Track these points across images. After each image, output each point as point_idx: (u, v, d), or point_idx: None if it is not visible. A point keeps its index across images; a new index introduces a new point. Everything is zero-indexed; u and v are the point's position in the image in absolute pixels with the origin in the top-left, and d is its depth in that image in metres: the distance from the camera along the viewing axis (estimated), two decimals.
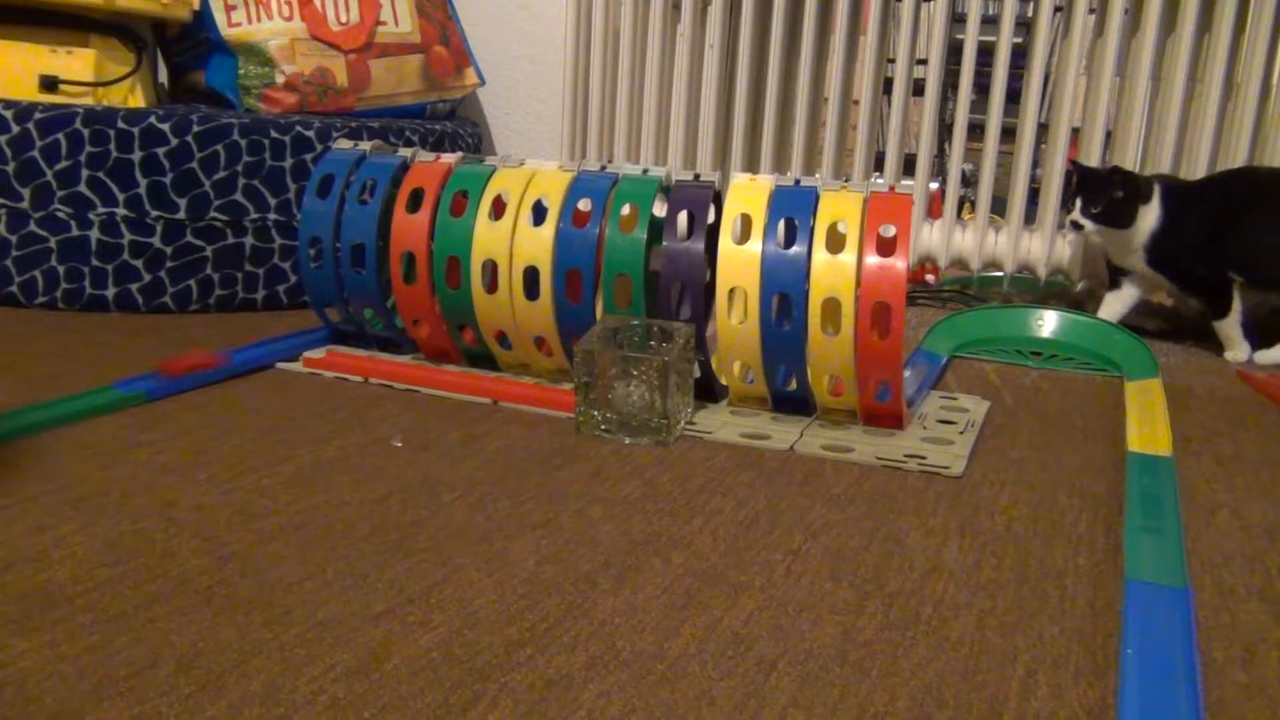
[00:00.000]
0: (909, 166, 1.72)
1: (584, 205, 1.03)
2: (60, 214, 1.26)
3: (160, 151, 1.27)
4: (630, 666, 0.56)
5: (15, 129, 1.24)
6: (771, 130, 1.69)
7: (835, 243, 0.94)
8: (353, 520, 0.73)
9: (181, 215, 1.29)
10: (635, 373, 0.91)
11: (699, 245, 0.98)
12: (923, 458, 0.91)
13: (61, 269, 1.28)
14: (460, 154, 1.13)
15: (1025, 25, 1.95)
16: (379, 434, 0.91)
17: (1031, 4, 1.57)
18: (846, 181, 1.01)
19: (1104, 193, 1.39)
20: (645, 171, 1.05)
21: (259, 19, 1.44)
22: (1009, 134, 1.63)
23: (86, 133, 1.25)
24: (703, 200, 1.00)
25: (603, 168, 1.07)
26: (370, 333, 1.16)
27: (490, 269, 1.05)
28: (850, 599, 0.65)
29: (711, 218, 1.01)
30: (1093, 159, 1.57)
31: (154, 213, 1.28)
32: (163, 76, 1.60)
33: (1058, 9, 1.64)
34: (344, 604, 0.61)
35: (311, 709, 0.51)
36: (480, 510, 0.76)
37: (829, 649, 0.59)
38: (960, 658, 0.59)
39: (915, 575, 0.69)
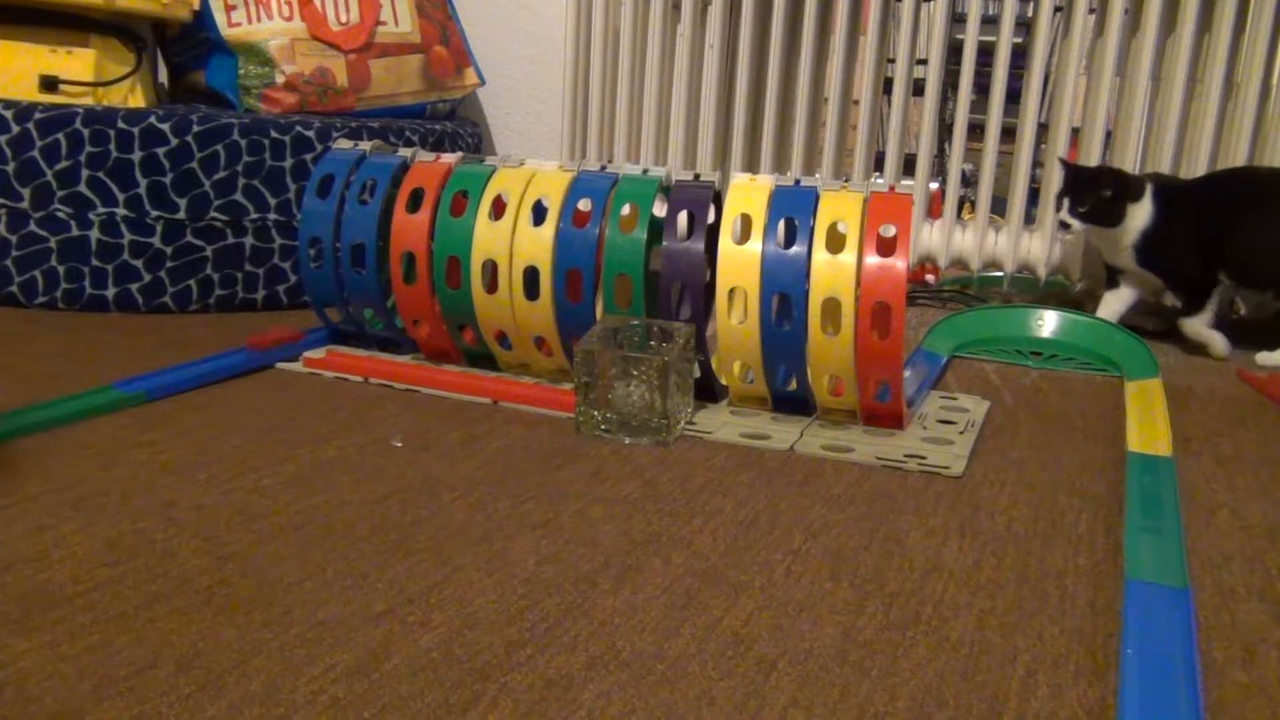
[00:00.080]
0: (909, 166, 1.72)
1: (584, 205, 1.03)
2: (60, 214, 1.26)
3: (160, 151, 1.27)
4: (630, 666, 0.56)
5: (15, 129, 1.24)
6: (771, 130, 1.69)
7: (835, 243, 0.94)
8: (353, 520, 0.73)
9: (181, 215, 1.29)
10: (635, 373, 0.91)
11: (699, 245, 0.98)
12: (923, 458, 0.91)
13: (61, 269, 1.28)
14: (460, 154, 1.13)
15: (1025, 25, 1.95)
16: (379, 434, 0.91)
17: (1031, 4, 1.57)
18: (846, 181, 1.01)
19: (1091, 192, 1.39)
20: (645, 171, 1.05)
21: (259, 19, 1.44)
22: (1009, 134, 1.63)
23: (86, 133, 1.25)
24: (703, 200, 1.00)
25: (603, 168, 1.07)
26: (370, 333, 1.16)
27: (490, 269, 1.05)
28: (850, 599, 0.65)
29: (711, 218, 1.01)
30: (1093, 159, 1.57)
31: (154, 213, 1.28)
32: (163, 76, 1.60)
33: (1058, 9, 1.64)
34: (344, 604, 0.61)
35: (311, 709, 0.51)
36: (480, 510, 0.76)
37: (829, 649, 0.59)
38: (960, 658, 0.59)
39: (915, 575, 0.69)
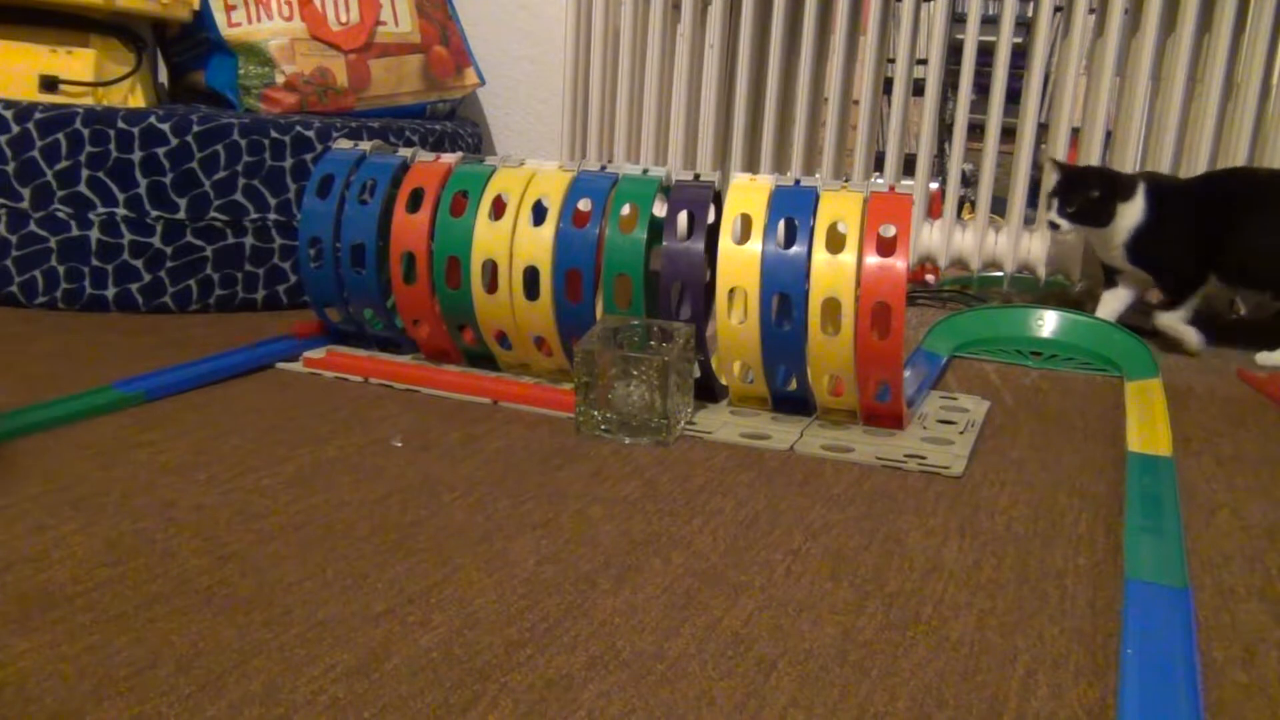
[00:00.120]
0: (909, 166, 1.72)
1: (584, 205, 1.03)
2: (60, 214, 1.26)
3: (160, 151, 1.27)
4: (630, 666, 0.56)
5: (15, 129, 1.24)
6: (771, 130, 1.69)
7: (835, 243, 0.94)
8: (353, 520, 0.73)
9: (181, 215, 1.29)
10: (635, 373, 0.91)
11: (699, 245, 0.98)
12: (923, 458, 0.91)
13: (61, 269, 1.28)
14: (460, 154, 1.13)
15: (1025, 25, 1.95)
16: (379, 434, 0.91)
17: (1031, 4, 1.57)
18: (846, 181, 1.01)
19: (1080, 192, 1.40)
20: (645, 171, 1.05)
21: (259, 19, 1.44)
22: (1009, 134, 1.63)
23: (86, 133, 1.25)
24: (703, 200, 1.00)
25: (603, 168, 1.07)
26: (370, 333, 1.16)
27: (490, 269, 1.05)
28: (850, 599, 0.65)
29: (711, 218, 1.01)
30: (1093, 159, 1.57)
31: (154, 213, 1.28)
32: (163, 76, 1.60)
33: (1058, 9, 1.64)
34: (344, 604, 0.61)
35: (311, 709, 0.51)
36: (480, 510, 0.76)
37: (829, 649, 0.59)
38: (960, 658, 0.59)
39: (915, 575, 0.69)
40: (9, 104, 1.25)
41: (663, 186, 1.04)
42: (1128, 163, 1.57)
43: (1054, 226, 1.43)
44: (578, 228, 1.02)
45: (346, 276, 1.11)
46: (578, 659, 0.57)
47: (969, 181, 2.62)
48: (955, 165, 1.64)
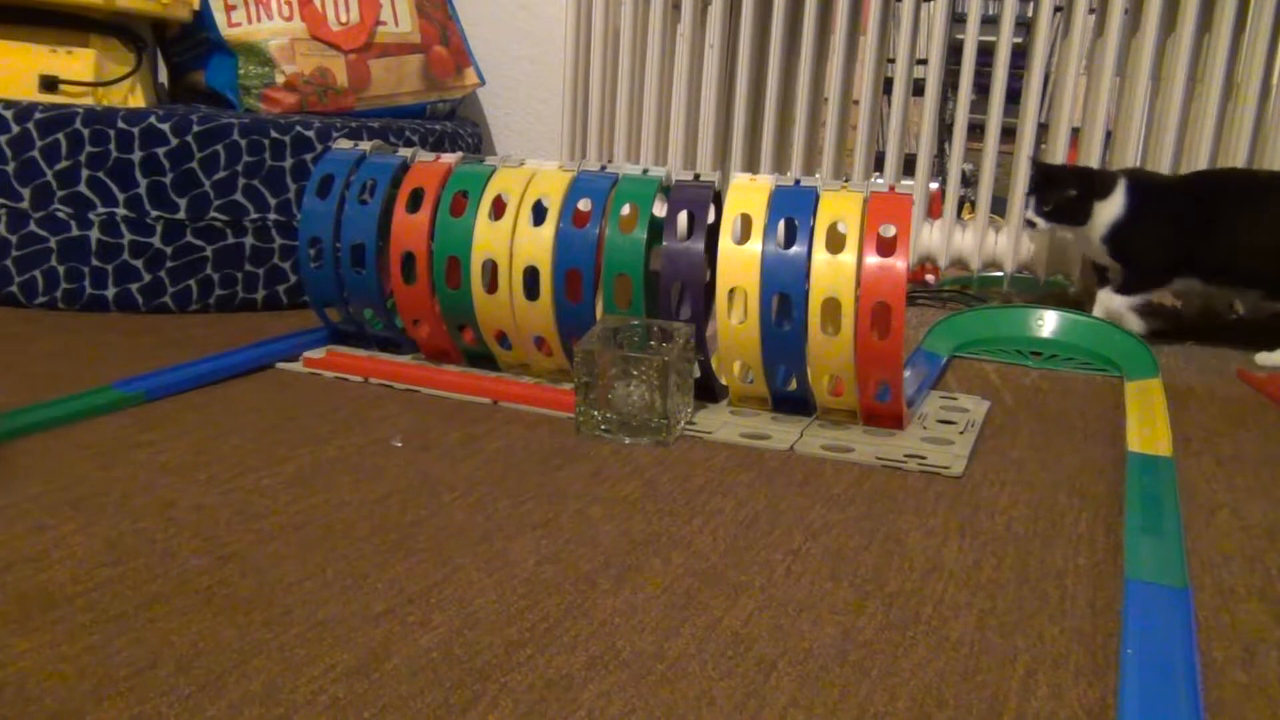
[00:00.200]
0: (909, 166, 1.72)
1: (584, 205, 1.03)
2: (60, 214, 1.26)
3: (160, 151, 1.27)
4: (630, 666, 0.56)
5: (15, 129, 1.24)
6: (771, 130, 1.69)
7: (835, 243, 0.94)
8: (353, 520, 0.73)
9: (181, 215, 1.29)
10: (635, 373, 0.91)
11: (699, 245, 0.98)
12: (923, 458, 0.91)
13: (61, 269, 1.28)
14: (460, 154, 1.13)
15: (1025, 25, 1.95)
16: (379, 434, 0.91)
17: (1031, 4, 1.57)
18: (846, 181, 1.01)
19: (1056, 191, 1.41)
20: (645, 171, 1.05)
21: (259, 19, 1.44)
22: (1009, 134, 1.63)
23: (86, 133, 1.25)
24: (703, 200, 1.00)
25: (603, 168, 1.07)
26: (370, 333, 1.16)
27: (490, 269, 1.05)
28: (850, 599, 0.65)
29: (711, 218, 1.01)
30: (1093, 159, 1.57)
31: (154, 213, 1.28)
32: (163, 76, 1.60)
33: (1058, 9, 1.64)
34: (344, 604, 0.61)
35: (311, 709, 0.51)
36: (480, 510, 0.76)
37: (829, 649, 0.59)
38: (960, 658, 0.59)
39: (915, 575, 0.69)
40: (9, 104, 1.25)
41: (663, 186, 1.04)
42: (1128, 163, 1.57)
43: (1030, 225, 1.46)
44: (578, 228, 1.02)
45: (346, 276, 1.11)
46: (578, 659, 0.57)
47: (969, 181, 2.62)
48: (955, 165, 1.64)
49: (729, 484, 0.84)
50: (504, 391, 1.03)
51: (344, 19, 1.49)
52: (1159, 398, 1.09)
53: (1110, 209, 1.41)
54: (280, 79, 1.44)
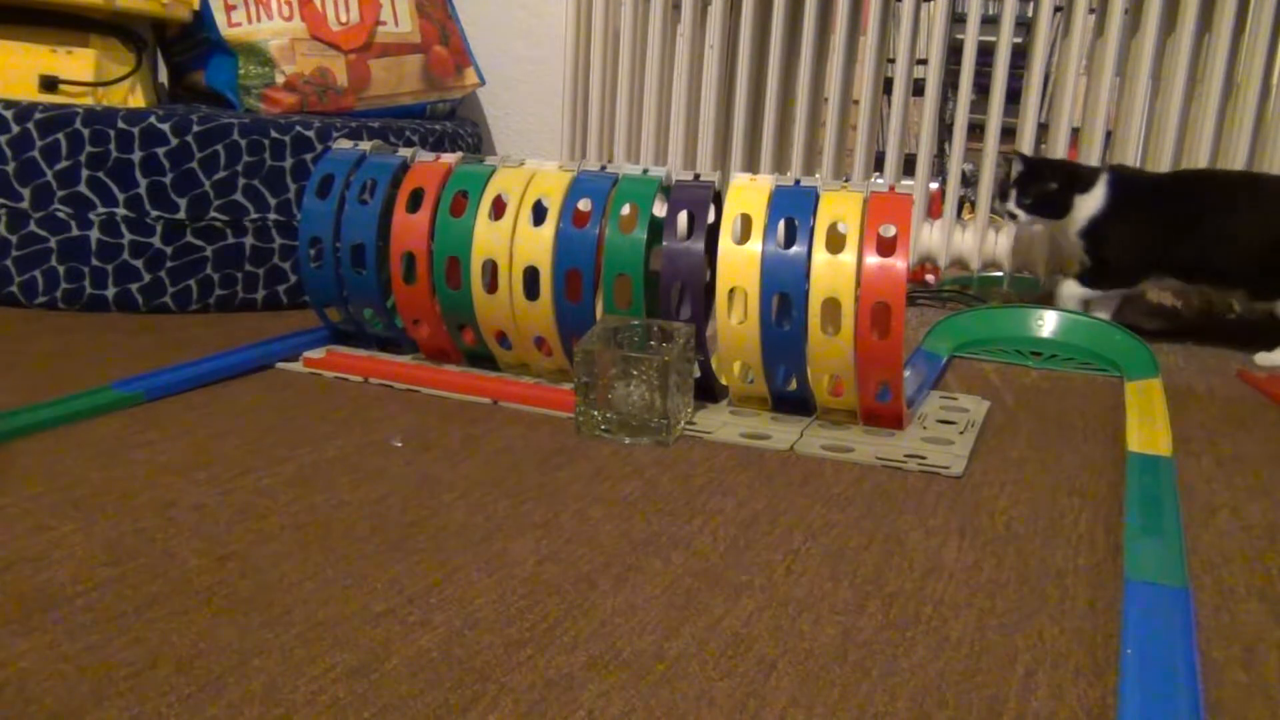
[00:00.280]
0: (909, 166, 1.72)
1: (584, 205, 1.03)
2: (60, 214, 1.26)
3: (160, 151, 1.27)
4: (630, 666, 0.56)
5: (15, 129, 1.24)
6: (771, 130, 1.69)
7: (835, 243, 0.94)
8: (353, 520, 0.73)
9: (181, 215, 1.29)
10: (635, 373, 0.91)
11: (699, 245, 0.98)
12: (923, 458, 0.91)
13: (61, 269, 1.28)
14: (460, 154, 1.13)
15: (1025, 25, 1.95)
16: (379, 434, 0.91)
17: (1031, 4, 1.57)
18: (846, 181, 1.01)
19: (1037, 184, 1.42)
20: (645, 171, 1.05)
21: (259, 19, 1.44)
22: (1009, 134, 1.63)
23: (86, 133, 1.25)
24: (703, 200, 1.00)
25: (603, 168, 1.07)
26: (370, 333, 1.16)
27: (490, 269, 1.05)
28: (850, 599, 0.65)
29: (711, 218, 1.01)
30: (1093, 159, 1.57)
31: (154, 213, 1.28)
32: (163, 76, 1.60)
33: (1058, 9, 1.64)
34: (344, 604, 0.61)
35: (311, 709, 0.51)
36: (480, 510, 0.76)
37: (829, 649, 0.59)
38: (960, 658, 0.59)
39: (915, 575, 0.69)
40: (9, 104, 1.25)
41: (663, 186, 1.04)
42: (1127, 163, 1.57)
43: (1011, 217, 1.48)
44: (578, 228, 1.02)
45: (346, 276, 1.11)
46: (578, 659, 0.57)
47: (969, 181, 2.62)
48: (955, 165, 1.64)
49: (729, 484, 0.84)
50: (504, 391, 1.03)
51: (344, 19, 1.49)
52: (1159, 398, 1.09)
53: (1090, 203, 1.42)
54: (280, 79, 1.44)
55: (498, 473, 0.84)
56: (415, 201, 1.08)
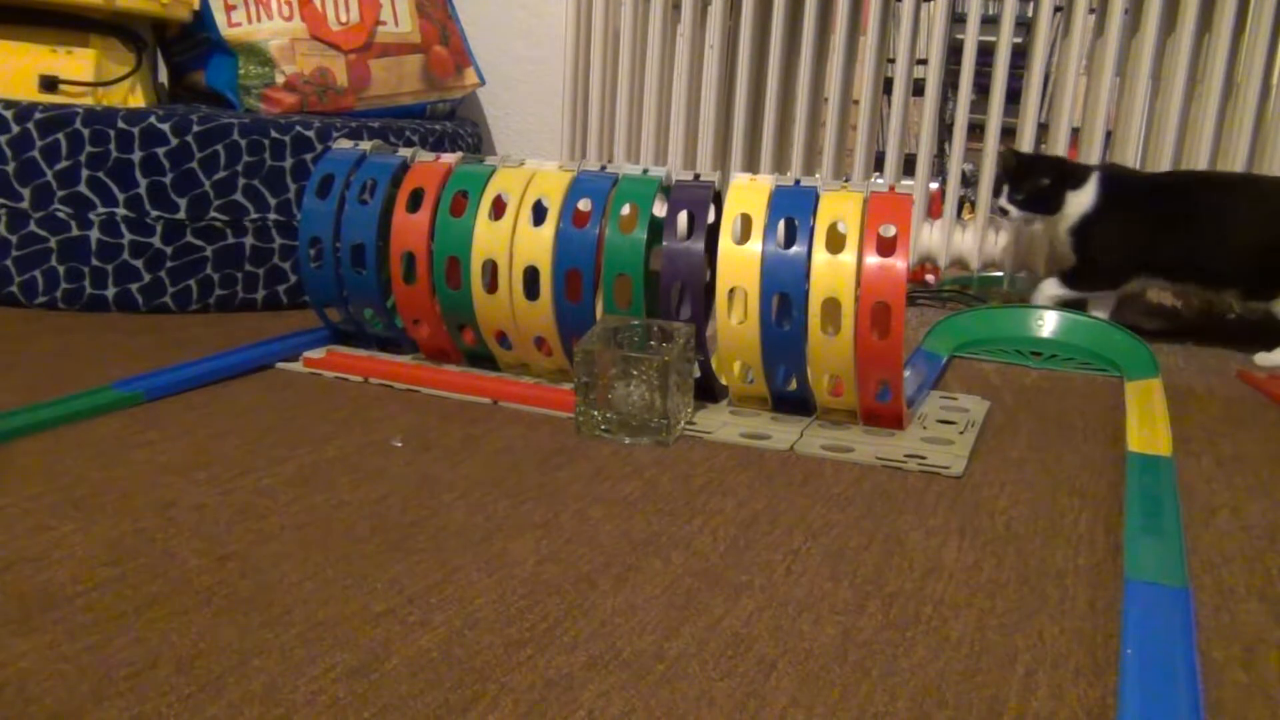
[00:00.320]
0: (909, 166, 1.72)
1: (584, 205, 1.03)
2: (60, 214, 1.26)
3: (160, 151, 1.27)
4: (630, 666, 0.56)
5: (15, 129, 1.24)
6: (771, 130, 1.69)
7: (835, 243, 0.94)
8: (353, 520, 0.73)
9: (181, 215, 1.29)
10: (635, 373, 0.91)
11: (699, 245, 0.98)
12: (923, 458, 0.91)
13: (61, 269, 1.28)
14: (460, 154, 1.13)
15: (1025, 25, 1.95)
16: (379, 434, 0.91)
17: (1031, 4, 1.57)
18: (846, 181, 1.01)
19: (1030, 179, 1.42)
20: (645, 171, 1.05)
21: (259, 19, 1.44)
22: (1009, 134, 1.63)
23: (86, 133, 1.25)
24: (703, 200, 1.00)
25: (603, 168, 1.07)
26: (370, 333, 1.16)
27: (490, 269, 1.05)
28: (850, 599, 0.65)
29: (711, 218, 1.01)
30: (1093, 159, 1.57)
31: (154, 213, 1.28)
32: (163, 76, 1.60)
33: (1058, 9, 1.64)
34: (344, 604, 0.61)
35: (311, 709, 0.51)
36: (480, 510, 0.76)
37: (829, 649, 0.59)
38: (960, 658, 0.59)
39: (915, 575, 0.69)
40: (9, 104, 1.25)
41: (663, 186, 1.04)
42: (1128, 163, 1.57)
43: (1003, 212, 1.48)
44: (578, 228, 1.02)
45: (346, 276, 1.11)
46: (578, 659, 0.57)
47: (969, 181, 2.62)
48: (955, 165, 1.64)
49: (729, 484, 0.84)
50: (504, 391, 1.03)
51: (344, 19, 1.49)
52: (1159, 398, 1.09)
53: (1082, 200, 1.42)
54: (280, 79, 1.44)
55: (498, 473, 0.84)
56: (415, 201, 1.08)
